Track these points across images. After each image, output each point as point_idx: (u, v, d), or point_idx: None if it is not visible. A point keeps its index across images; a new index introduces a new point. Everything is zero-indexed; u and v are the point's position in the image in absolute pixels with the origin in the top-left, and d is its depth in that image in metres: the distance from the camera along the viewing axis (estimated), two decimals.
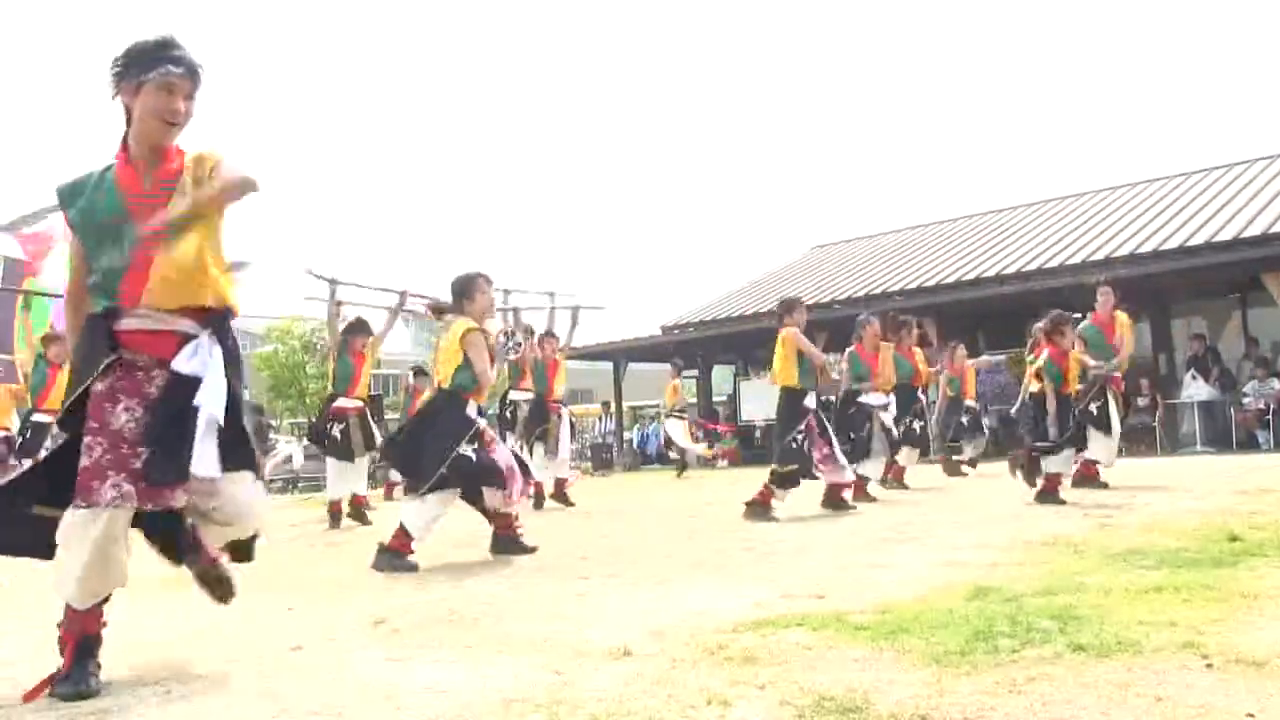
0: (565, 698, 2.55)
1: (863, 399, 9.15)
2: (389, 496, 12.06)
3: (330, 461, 9.44)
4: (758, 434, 20.85)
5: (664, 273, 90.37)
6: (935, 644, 2.89)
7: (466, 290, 5.73)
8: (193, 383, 3.01)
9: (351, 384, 9.10)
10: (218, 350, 3.08)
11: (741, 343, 22.33)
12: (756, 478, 13.86)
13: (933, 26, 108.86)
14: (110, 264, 3.00)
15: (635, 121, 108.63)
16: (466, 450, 5.51)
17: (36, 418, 9.24)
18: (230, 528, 3.20)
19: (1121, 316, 8.74)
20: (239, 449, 3.07)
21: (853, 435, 8.98)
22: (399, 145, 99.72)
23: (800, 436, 7.44)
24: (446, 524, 5.68)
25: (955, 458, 11.63)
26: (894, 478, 9.63)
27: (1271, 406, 14.19)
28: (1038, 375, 8.02)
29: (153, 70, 2.95)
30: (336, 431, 9.06)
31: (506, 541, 5.73)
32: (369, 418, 9.33)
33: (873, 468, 9.10)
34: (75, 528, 2.83)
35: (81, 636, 2.92)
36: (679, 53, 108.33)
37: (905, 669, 2.68)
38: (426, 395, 12.82)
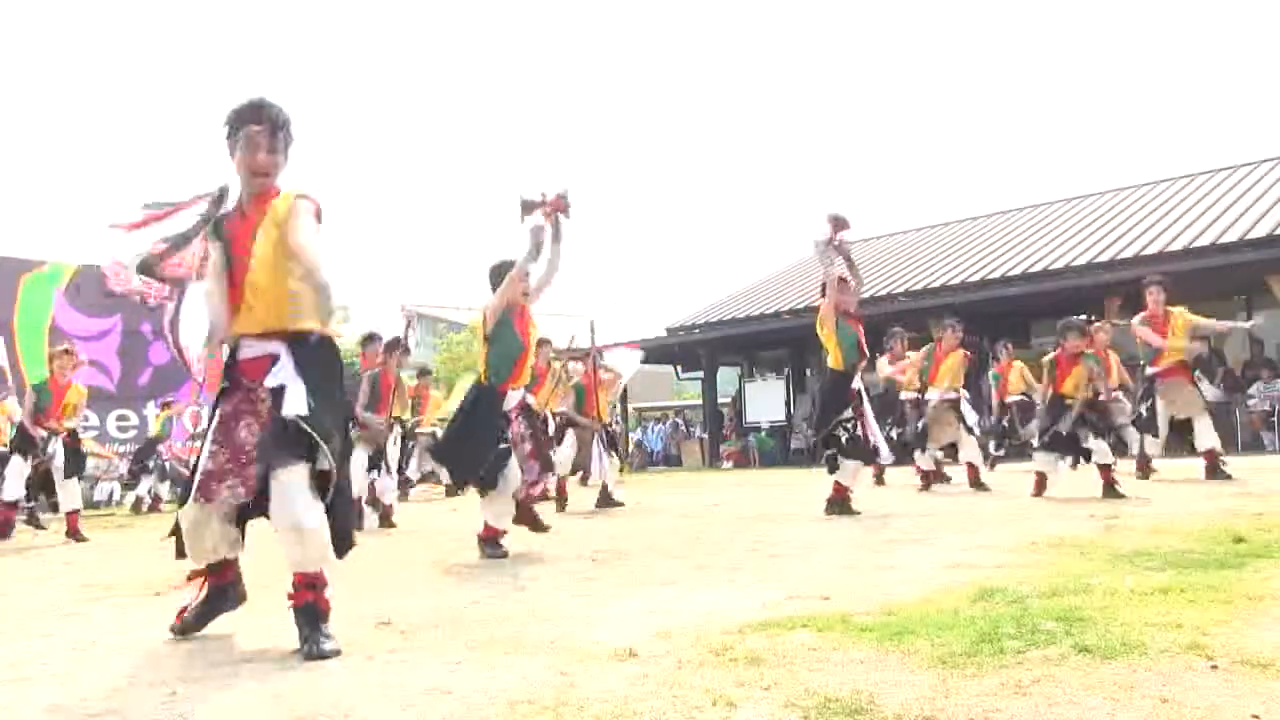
0: (571, 699, 2.56)
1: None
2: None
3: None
4: (763, 435, 20.85)
5: (669, 274, 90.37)
6: (941, 645, 2.90)
7: (497, 280, 5.86)
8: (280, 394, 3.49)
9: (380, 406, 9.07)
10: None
11: (746, 344, 22.34)
12: (761, 480, 13.92)
13: (940, 27, 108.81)
14: (222, 301, 3.57)
15: (640, 122, 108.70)
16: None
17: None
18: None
19: (1176, 313, 9.21)
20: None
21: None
22: (400, 147, 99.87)
23: (850, 423, 7.38)
24: (451, 524, 5.71)
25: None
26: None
27: (1277, 408, 14.17)
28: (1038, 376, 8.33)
29: (239, 130, 3.53)
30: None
31: (523, 511, 5.94)
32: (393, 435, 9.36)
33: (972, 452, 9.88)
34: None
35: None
36: (685, 53, 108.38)
37: (911, 670, 2.68)
38: (433, 396, 12.92)
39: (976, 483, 9.45)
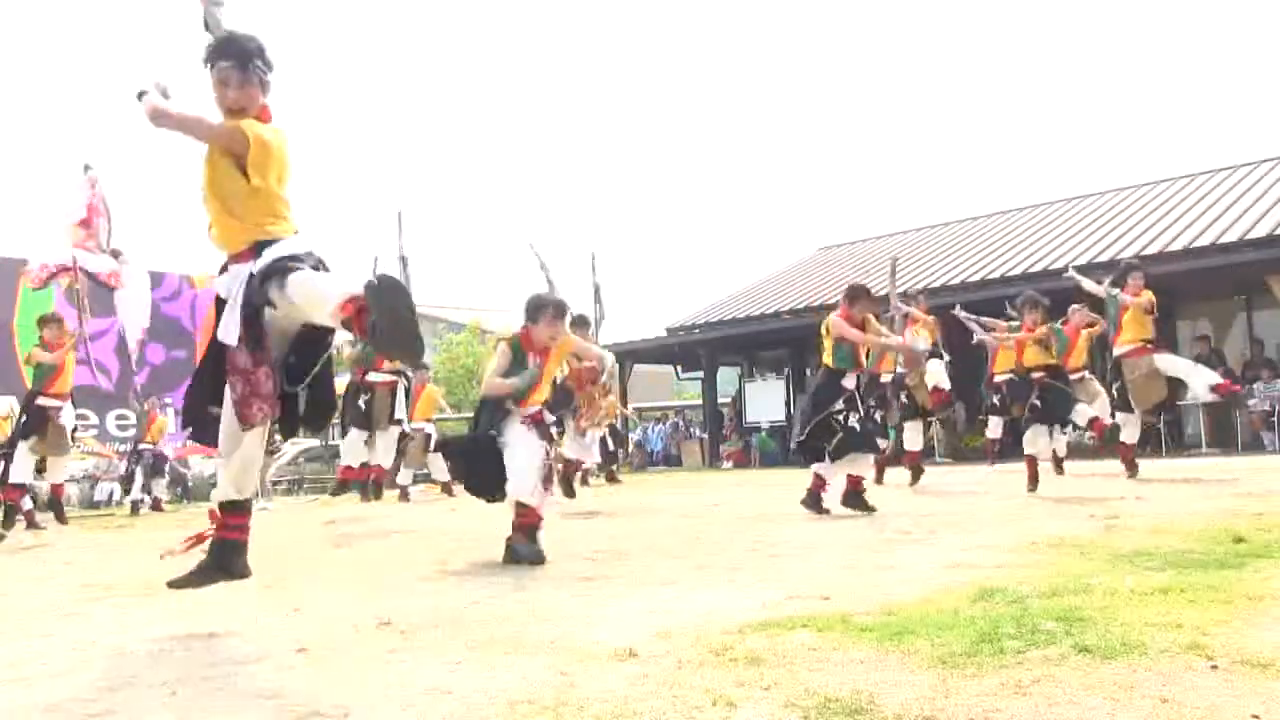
0: (570, 699, 2.56)
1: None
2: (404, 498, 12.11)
3: (352, 431, 9.46)
4: (764, 435, 20.84)
5: (669, 274, 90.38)
6: (941, 645, 2.90)
7: (531, 314, 5.75)
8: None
9: (378, 359, 9.08)
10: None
11: (747, 344, 22.32)
12: (761, 480, 13.92)
13: (940, 26, 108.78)
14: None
15: (640, 121, 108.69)
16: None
17: (43, 401, 9.21)
18: None
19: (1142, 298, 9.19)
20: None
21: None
22: (399, 147, 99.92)
23: (841, 415, 7.46)
24: (451, 524, 5.69)
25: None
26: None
27: (1277, 408, 14.17)
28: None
29: (213, 69, 3.61)
30: (362, 402, 9.12)
31: (518, 550, 5.66)
32: (397, 394, 9.34)
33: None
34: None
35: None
36: (684, 52, 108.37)
37: (911, 670, 2.68)
38: (428, 390, 12.90)
39: (943, 405, 9.78)
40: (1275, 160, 19.48)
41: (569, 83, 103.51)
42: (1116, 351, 9.18)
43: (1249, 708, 2.24)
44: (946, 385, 10.21)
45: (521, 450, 5.52)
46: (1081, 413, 8.09)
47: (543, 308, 5.76)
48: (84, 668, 3.26)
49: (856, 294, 7.58)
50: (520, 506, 5.55)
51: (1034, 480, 8.10)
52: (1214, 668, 2.55)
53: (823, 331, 7.65)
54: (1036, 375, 8.33)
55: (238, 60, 3.60)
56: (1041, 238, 19.59)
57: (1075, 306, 10.24)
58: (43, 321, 9.50)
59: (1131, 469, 9.03)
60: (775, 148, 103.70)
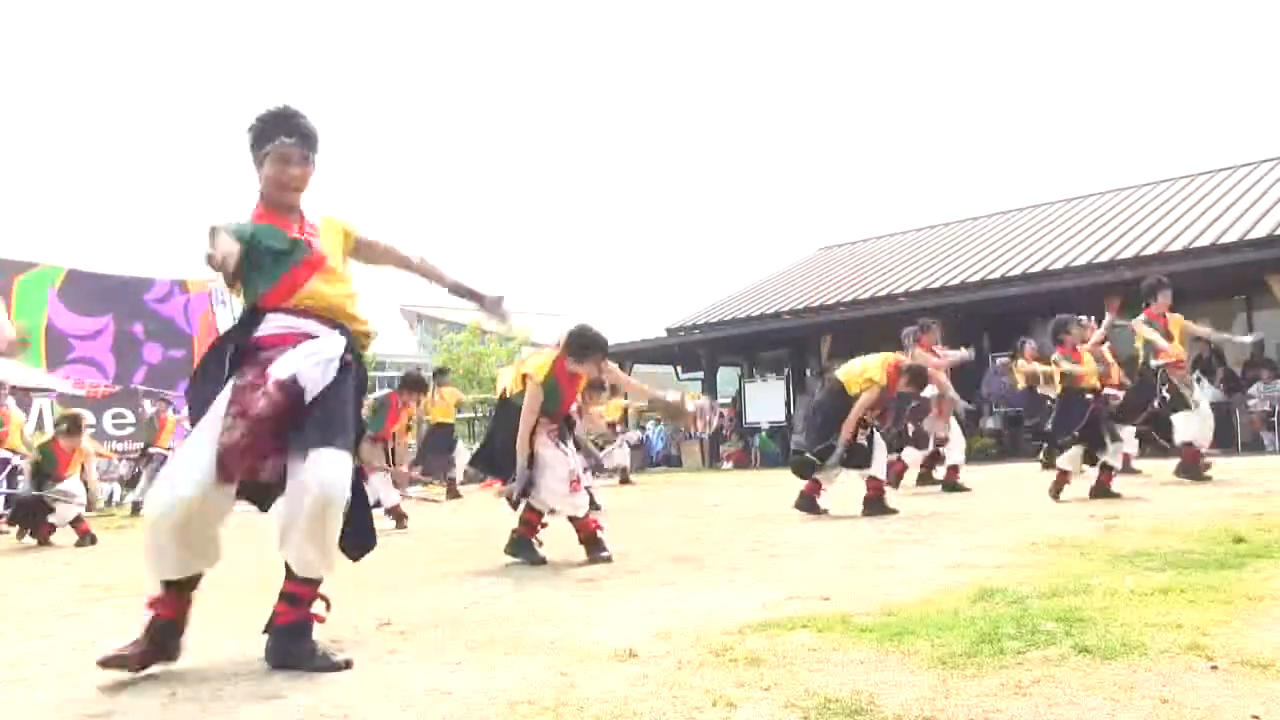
0: (570, 700, 2.56)
1: None
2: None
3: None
4: (764, 435, 20.84)
5: (669, 274, 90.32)
6: (941, 646, 2.90)
7: (580, 351, 5.65)
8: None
9: (383, 430, 8.90)
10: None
11: (747, 344, 22.31)
12: (761, 480, 13.92)
13: (940, 26, 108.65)
14: (262, 279, 3.34)
15: (639, 121, 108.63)
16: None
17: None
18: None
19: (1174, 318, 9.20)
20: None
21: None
22: (399, 146, 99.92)
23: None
24: (451, 524, 5.68)
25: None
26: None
27: (1277, 409, 14.16)
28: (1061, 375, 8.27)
29: (269, 143, 3.35)
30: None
31: (520, 544, 5.71)
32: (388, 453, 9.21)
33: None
34: None
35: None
36: (683, 52, 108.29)
37: (911, 671, 2.68)
38: (449, 394, 13.02)
39: (954, 485, 9.47)
40: (1275, 160, 19.48)
41: (571, 82, 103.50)
42: (1161, 361, 9.11)
43: (1249, 708, 2.24)
44: (960, 461, 9.99)
45: (548, 466, 5.58)
46: (1113, 453, 7.97)
47: (594, 348, 5.66)
48: (84, 668, 3.26)
49: (915, 373, 7.79)
50: (530, 509, 5.65)
51: (1059, 489, 7.77)
52: (1214, 668, 2.55)
53: (861, 370, 7.66)
54: (1089, 396, 8.03)
55: (302, 139, 3.37)
56: (1041, 238, 19.59)
57: (1085, 323, 10.13)
58: (61, 423, 9.40)
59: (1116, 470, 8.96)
60: (775, 148, 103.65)
